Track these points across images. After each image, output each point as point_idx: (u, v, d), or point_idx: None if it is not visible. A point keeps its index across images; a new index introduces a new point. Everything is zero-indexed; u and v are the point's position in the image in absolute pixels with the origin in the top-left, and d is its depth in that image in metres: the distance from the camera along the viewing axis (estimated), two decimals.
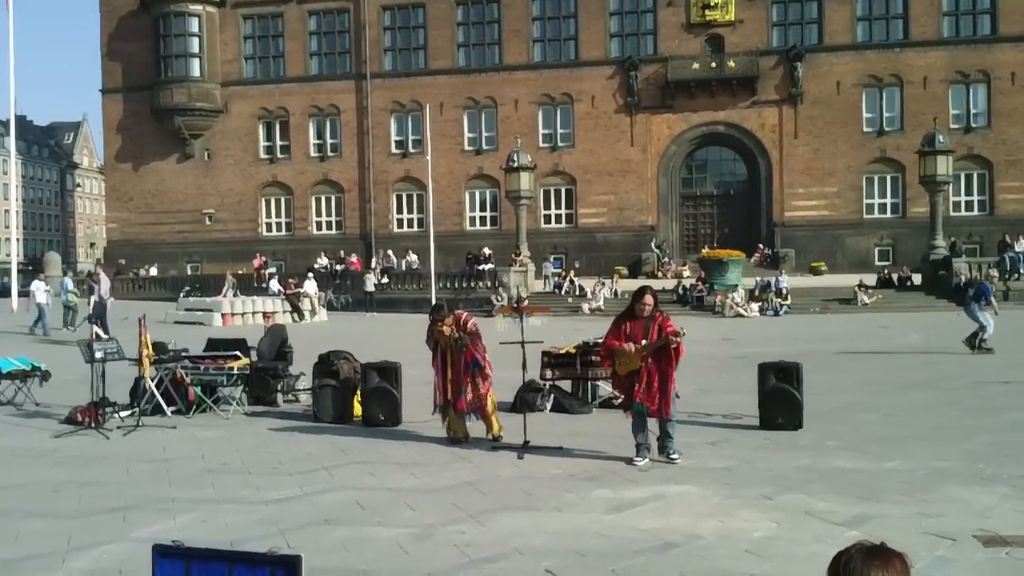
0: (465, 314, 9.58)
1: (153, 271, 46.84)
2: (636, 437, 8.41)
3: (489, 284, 35.55)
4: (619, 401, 11.30)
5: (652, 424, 8.50)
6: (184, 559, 2.82)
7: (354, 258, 42.30)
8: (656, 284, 35.59)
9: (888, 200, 44.45)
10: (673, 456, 8.41)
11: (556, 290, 36.05)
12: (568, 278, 36.92)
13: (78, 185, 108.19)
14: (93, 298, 22.45)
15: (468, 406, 9.32)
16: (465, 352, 9.21)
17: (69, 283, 28.05)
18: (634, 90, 45.10)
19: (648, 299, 8.36)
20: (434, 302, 17.63)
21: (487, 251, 39.27)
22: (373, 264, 41.03)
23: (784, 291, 32.81)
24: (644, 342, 8.18)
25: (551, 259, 42.96)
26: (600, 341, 11.40)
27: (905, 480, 7.63)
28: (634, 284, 36.55)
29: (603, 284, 34.82)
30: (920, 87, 43.49)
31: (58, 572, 5.63)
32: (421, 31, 47.79)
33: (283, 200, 49.50)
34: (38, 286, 25.50)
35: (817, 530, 6.24)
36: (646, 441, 8.41)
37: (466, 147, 47.24)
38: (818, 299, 33.36)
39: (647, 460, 8.35)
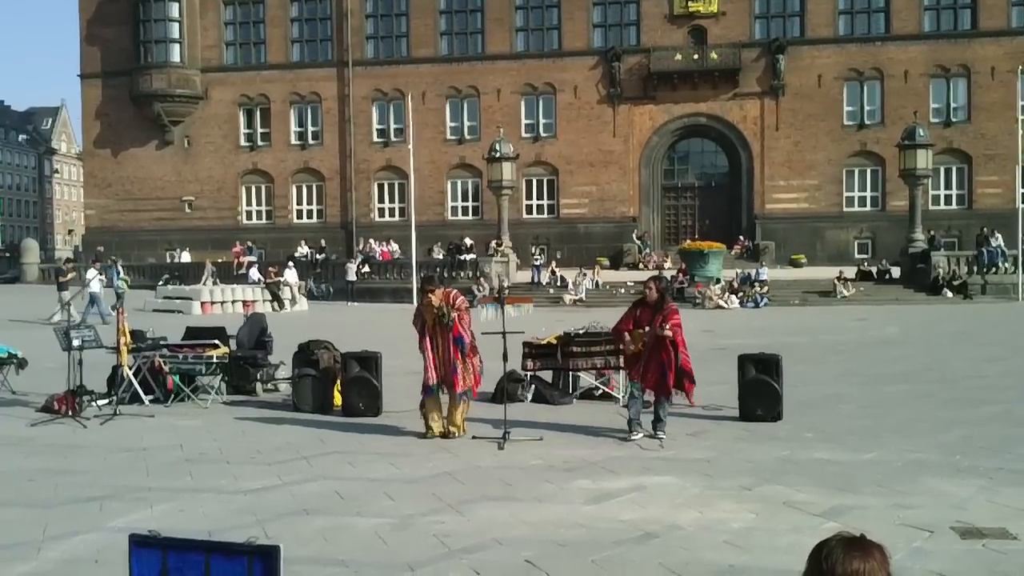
0: (455, 291, 9.41)
1: (186, 256, 44.26)
2: (629, 412, 9.13)
3: (471, 274, 35.48)
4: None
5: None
6: (161, 549, 2.79)
7: (387, 247, 40.94)
8: (637, 276, 35.83)
9: (868, 193, 44.68)
10: (660, 435, 8.96)
11: (533, 279, 35.85)
12: (551, 269, 36.93)
13: (56, 171, 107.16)
14: None
15: (463, 385, 9.07)
16: (451, 328, 9.02)
17: (120, 270, 29.93)
18: (616, 81, 45.08)
19: (651, 285, 9.18)
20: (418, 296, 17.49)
21: (469, 241, 39.19)
22: (354, 253, 40.84)
23: (764, 283, 32.92)
24: (647, 328, 8.89)
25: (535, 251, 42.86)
26: (580, 332, 11.49)
27: (882, 472, 7.68)
28: (616, 276, 36.98)
29: (584, 275, 34.85)
30: (901, 81, 43.70)
31: (33, 561, 5.58)
32: (403, 19, 47.54)
33: (263, 188, 49.21)
34: (92, 274, 26.72)
35: (795, 521, 6.28)
36: (638, 417, 9.07)
37: (448, 136, 47.10)
38: (798, 291, 33.53)
39: (641, 435, 8.99)
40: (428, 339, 9.18)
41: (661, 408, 9.02)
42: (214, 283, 34.14)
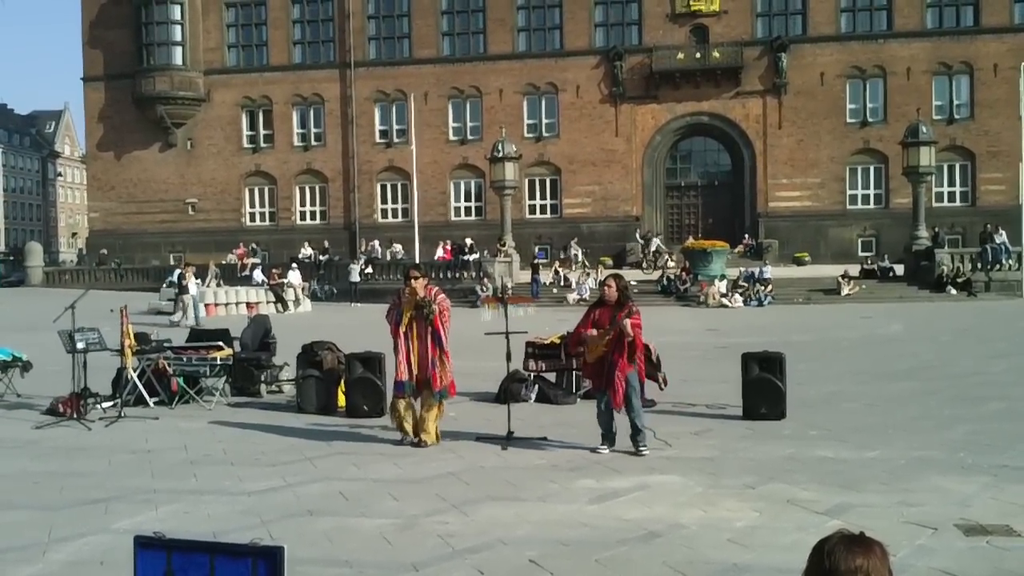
0: (437, 288, 9.11)
1: (231, 257, 42.33)
2: (600, 425, 8.52)
3: (474, 275, 35.48)
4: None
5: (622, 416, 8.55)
6: (166, 550, 2.80)
7: (449, 245, 39.74)
8: (641, 275, 35.81)
9: (871, 191, 44.64)
10: (642, 450, 8.35)
11: (533, 283, 34.04)
12: (554, 268, 36.86)
13: (59, 174, 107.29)
14: None
15: (441, 383, 8.68)
16: (431, 321, 8.63)
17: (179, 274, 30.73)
18: (619, 80, 45.08)
19: (610, 283, 8.48)
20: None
21: (470, 241, 39.17)
22: (358, 254, 40.84)
23: (768, 281, 32.89)
24: (608, 327, 8.25)
25: (536, 250, 42.79)
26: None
27: (887, 469, 7.68)
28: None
29: (587, 274, 34.83)
30: (903, 78, 43.66)
31: (39, 564, 5.59)
32: (405, 19, 47.58)
33: (266, 190, 49.25)
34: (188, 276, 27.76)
35: (799, 519, 6.27)
36: (608, 430, 8.48)
37: (451, 137, 47.12)
38: (801, 290, 33.50)
39: (608, 450, 8.42)
40: (402, 334, 8.75)
41: (636, 418, 8.30)
42: (218, 285, 34.19)
